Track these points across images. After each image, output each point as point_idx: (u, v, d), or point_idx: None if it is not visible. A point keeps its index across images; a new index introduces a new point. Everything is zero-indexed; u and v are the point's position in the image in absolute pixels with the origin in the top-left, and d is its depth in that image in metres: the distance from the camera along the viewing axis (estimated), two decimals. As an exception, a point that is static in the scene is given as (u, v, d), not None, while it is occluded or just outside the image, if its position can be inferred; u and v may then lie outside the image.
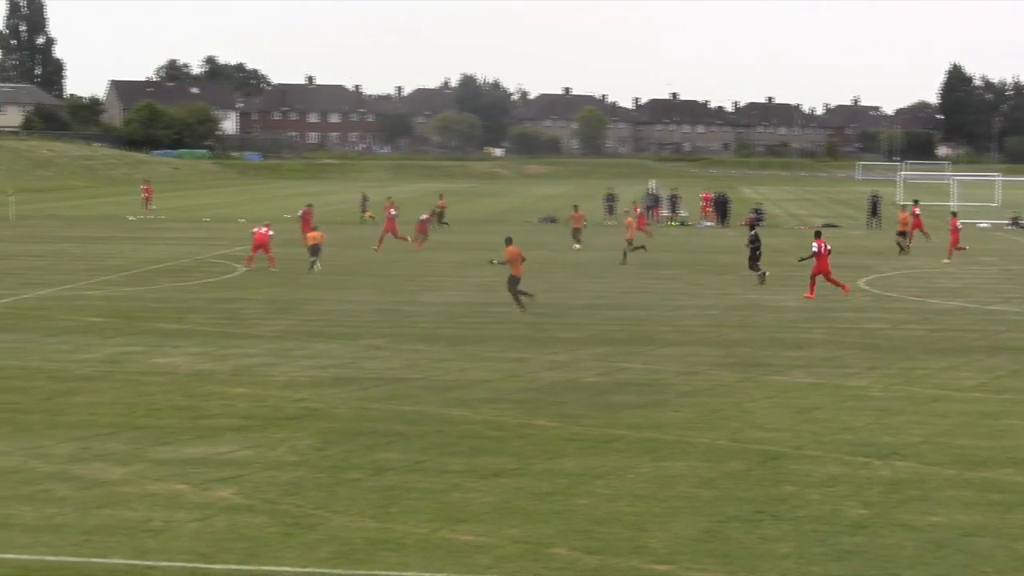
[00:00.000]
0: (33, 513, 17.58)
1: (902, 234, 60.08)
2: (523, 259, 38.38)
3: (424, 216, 63.23)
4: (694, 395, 25.98)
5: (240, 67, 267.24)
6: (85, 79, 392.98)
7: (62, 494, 18.51)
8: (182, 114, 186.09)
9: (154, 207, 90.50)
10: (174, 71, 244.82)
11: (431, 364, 29.39)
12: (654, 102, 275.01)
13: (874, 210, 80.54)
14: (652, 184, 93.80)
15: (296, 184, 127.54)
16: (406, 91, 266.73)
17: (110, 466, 20.12)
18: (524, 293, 38.11)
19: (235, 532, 16.79)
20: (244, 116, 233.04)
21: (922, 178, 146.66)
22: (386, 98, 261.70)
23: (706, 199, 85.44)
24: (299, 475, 19.62)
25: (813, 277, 42.54)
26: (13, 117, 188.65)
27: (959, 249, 56.05)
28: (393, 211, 61.30)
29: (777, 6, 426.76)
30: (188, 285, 44.79)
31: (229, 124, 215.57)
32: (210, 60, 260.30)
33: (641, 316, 37.57)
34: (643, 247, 55.25)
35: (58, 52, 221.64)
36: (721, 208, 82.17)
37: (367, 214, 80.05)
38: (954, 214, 58.35)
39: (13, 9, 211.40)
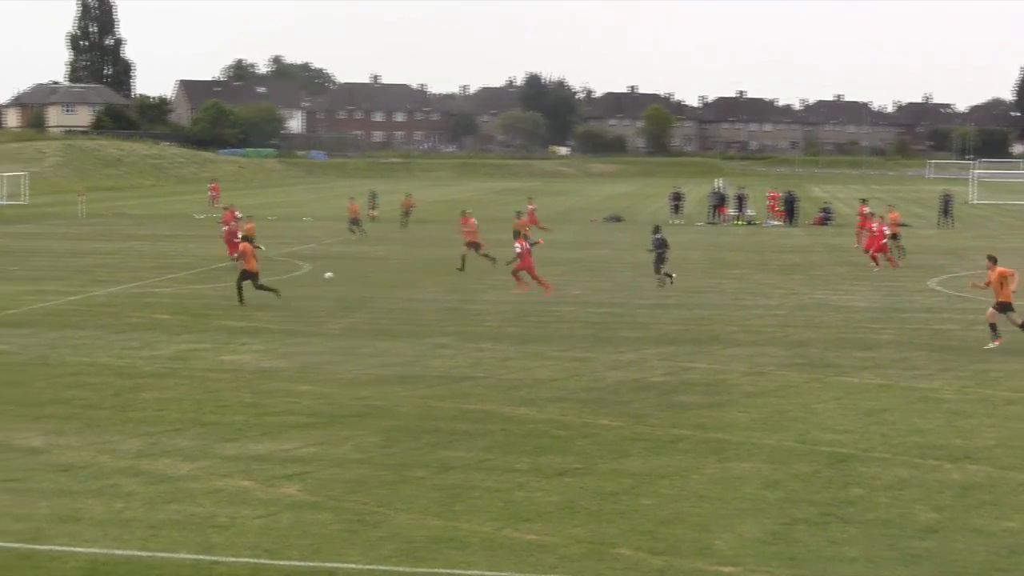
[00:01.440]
0: (102, 507, 17.70)
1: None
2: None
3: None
4: (760, 396, 25.80)
5: (306, 66, 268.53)
6: (154, 79, 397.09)
7: (130, 489, 18.63)
8: (248, 113, 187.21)
9: (220, 205, 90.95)
10: (241, 71, 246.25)
11: (496, 363, 29.36)
12: (721, 100, 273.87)
13: (946, 209, 79.78)
14: (718, 183, 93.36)
15: (361, 183, 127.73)
16: (471, 90, 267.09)
17: (177, 462, 20.23)
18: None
19: (300, 528, 16.82)
20: (310, 115, 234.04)
21: (996, 176, 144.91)
22: (451, 97, 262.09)
23: (773, 198, 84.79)
24: (363, 472, 19.64)
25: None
26: (83, 117, 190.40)
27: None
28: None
29: (847, 4, 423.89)
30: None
31: (295, 123, 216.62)
32: (276, 60, 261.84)
33: (707, 316, 37.37)
34: None
35: (127, 53, 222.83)
36: (789, 207, 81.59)
37: (374, 213, 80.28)
38: (863, 200, 56.76)
39: (84, 11, 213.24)
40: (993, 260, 32.90)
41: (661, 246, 44.81)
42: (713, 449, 21.28)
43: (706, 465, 20.21)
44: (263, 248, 49.49)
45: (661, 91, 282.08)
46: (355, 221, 66.78)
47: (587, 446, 21.43)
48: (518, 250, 42.11)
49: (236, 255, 46.63)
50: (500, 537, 16.56)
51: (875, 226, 52.67)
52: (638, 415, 23.86)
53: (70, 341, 32.11)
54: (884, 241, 51.27)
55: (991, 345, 31.49)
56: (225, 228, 52.10)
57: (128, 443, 21.40)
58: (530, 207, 66.16)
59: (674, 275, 44.96)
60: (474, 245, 50.00)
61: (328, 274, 44.52)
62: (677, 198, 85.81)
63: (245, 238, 40.99)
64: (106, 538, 16.34)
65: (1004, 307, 31.68)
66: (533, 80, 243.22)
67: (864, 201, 64.89)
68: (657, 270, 44.94)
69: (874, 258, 51.12)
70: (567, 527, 16.94)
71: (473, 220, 51.50)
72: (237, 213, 54.68)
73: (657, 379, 27.53)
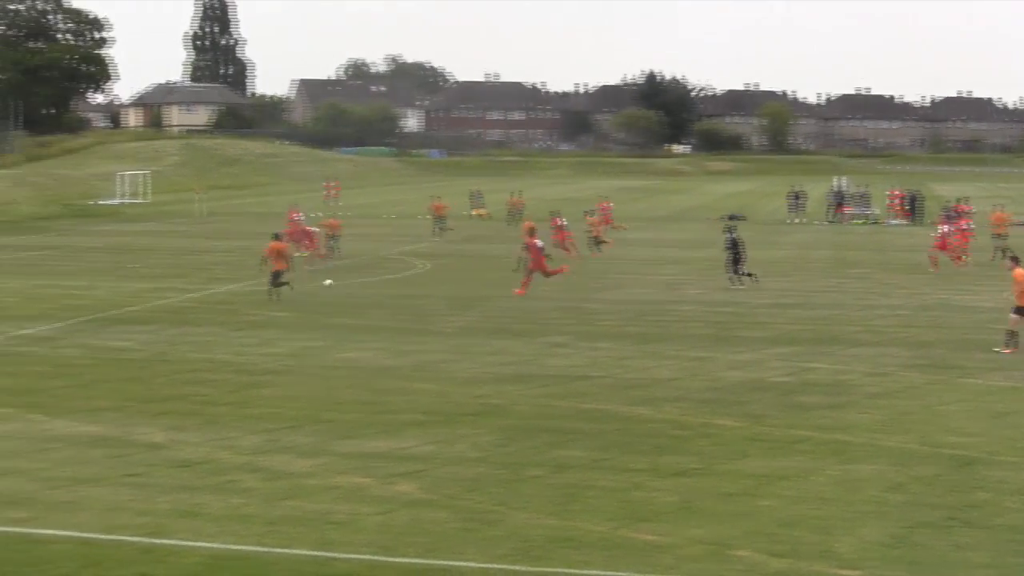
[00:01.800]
0: (220, 503, 17.83)
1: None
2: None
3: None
4: (883, 397, 25.37)
5: (423, 65, 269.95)
6: (272, 79, 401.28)
7: (248, 485, 18.76)
8: (365, 112, 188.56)
9: (341, 203, 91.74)
10: (358, 70, 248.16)
11: (614, 362, 29.20)
12: (842, 97, 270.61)
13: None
14: (838, 181, 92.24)
15: (478, 181, 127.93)
16: (588, 88, 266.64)
17: (295, 458, 20.33)
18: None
19: (416, 526, 16.81)
20: (427, 114, 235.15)
21: None
22: (568, 95, 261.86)
23: (896, 196, 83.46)
24: (480, 471, 19.60)
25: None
26: (202, 116, 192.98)
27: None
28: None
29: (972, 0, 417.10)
30: (370, 281, 45.25)
31: (412, 122, 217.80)
32: (394, 59, 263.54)
33: (828, 316, 36.89)
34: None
35: (245, 53, 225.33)
36: (913, 206, 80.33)
37: (482, 212, 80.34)
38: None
39: (203, 12, 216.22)
40: (1015, 260, 31.79)
41: (733, 246, 43.85)
42: (834, 450, 20.97)
43: (827, 467, 19.91)
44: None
45: (781, 88, 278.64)
46: (441, 219, 66.26)
47: (705, 446, 21.22)
48: (539, 244, 41.45)
49: (305, 252, 47.42)
50: (617, 537, 16.43)
51: (962, 225, 52.00)
52: (757, 415, 23.59)
53: (189, 338, 32.48)
54: (945, 241, 50.31)
55: (1002, 351, 30.56)
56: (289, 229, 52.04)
57: (247, 439, 21.56)
58: (605, 205, 65.89)
59: (756, 274, 44.00)
60: (560, 246, 50.48)
61: (328, 281, 43.90)
62: (796, 196, 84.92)
63: (275, 235, 41.10)
64: (225, 533, 16.46)
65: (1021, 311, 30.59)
66: (651, 78, 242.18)
67: (960, 200, 64.00)
68: (732, 270, 43.84)
69: (934, 259, 50.02)
70: (685, 527, 16.76)
71: (560, 220, 53.00)
72: (297, 215, 54.64)
73: (777, 379, 27.21)
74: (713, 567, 15.35)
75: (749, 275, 43.62)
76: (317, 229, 52.00)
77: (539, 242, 41.33)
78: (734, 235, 44.02)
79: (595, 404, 24.57)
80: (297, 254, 47.68)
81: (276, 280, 38.99)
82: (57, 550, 15.79)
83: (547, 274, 41.18)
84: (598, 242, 54.75)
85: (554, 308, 38.30)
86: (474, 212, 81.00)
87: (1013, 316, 30.78)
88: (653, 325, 34.97)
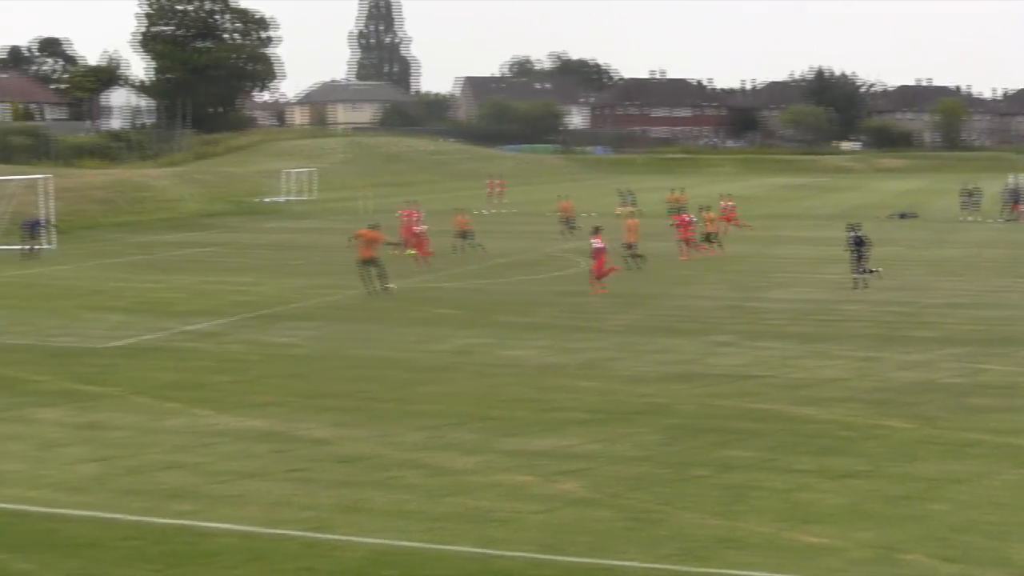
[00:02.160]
0: (384, 499, 17.90)
1: None
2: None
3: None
4: (1060, 399, 24.64)
5: (588, 62, 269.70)
6: (436, 76, 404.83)
7: (412, 481, 18.80)
8: (530, 109, 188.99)
9: (506, 201, 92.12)
10: (523, 67, 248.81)
11: (780, 361, 28.79)
12: (1020, 92, 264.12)
13: None
14: (1014, 178, 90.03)
15: (643, 179, 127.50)
16: (755, 84, 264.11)
17: (459, 455, 20.35)
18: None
19: (580, 525, 16.70)
20: (592, 111, 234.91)
21: None
22: (735, 92, 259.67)
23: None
24: (644, 470, 19.42)
25: None
26: (367, 114, 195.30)
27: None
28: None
29: None
30: (536, 279, 45.27)
31: (577, 119, 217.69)
32: (558, 56, 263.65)
33: (1003, 316, 35.96)
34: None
35: (410, 50, 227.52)
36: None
37: (623, 209, 79.64)
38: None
39: (368, 10, 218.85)
40: None
41: (859, 244, 42.50)
42: (1009, 454, 20.37)
43: (1002, 471, 19.35)
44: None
45: (955, 83, 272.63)
46: (568, 220, 64.55)
47: (874, 448, 20.78)
48: (598, 246, 40.75)
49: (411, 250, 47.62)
50: (783, 539, 16.13)
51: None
52: (928, 417, 23.03)
53: (354, 334, 32.77)
54: None
55: None
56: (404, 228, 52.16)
57: (410, 436, 21.64)
58: (728, 203, 64.72)
59: (880, 269, 42.92)
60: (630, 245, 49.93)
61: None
62: (970, 194, 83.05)
63: (372, 225, 41.46)
64: (388, 529, 16.51)
65: None
66: (819, 74, 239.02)
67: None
68: (856, 270, 42.42)
69: None
70: (853, 530, 16.40)
71: (634, 221, 51.72)
72: (411, 214, 54.48)
73: (949, 380, 26.55)
74: (882, 571, 14.99)
75: (873, 271, 42.52)
76: (425, 227, 51.47)
77: (599, 243, 40.92)
78: (858, 233, 42.79)
79: (761, 404, 24.23)
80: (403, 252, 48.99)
81: (366, 267, 39.60)
82: (222, 543, 15.98)
83: (598, 276, 40.83)
84: (709, 239, 53.49)
85: (719, 307, 37.94)
86: (619, 210, 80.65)
87: None
88: (820, 324, 34.42)
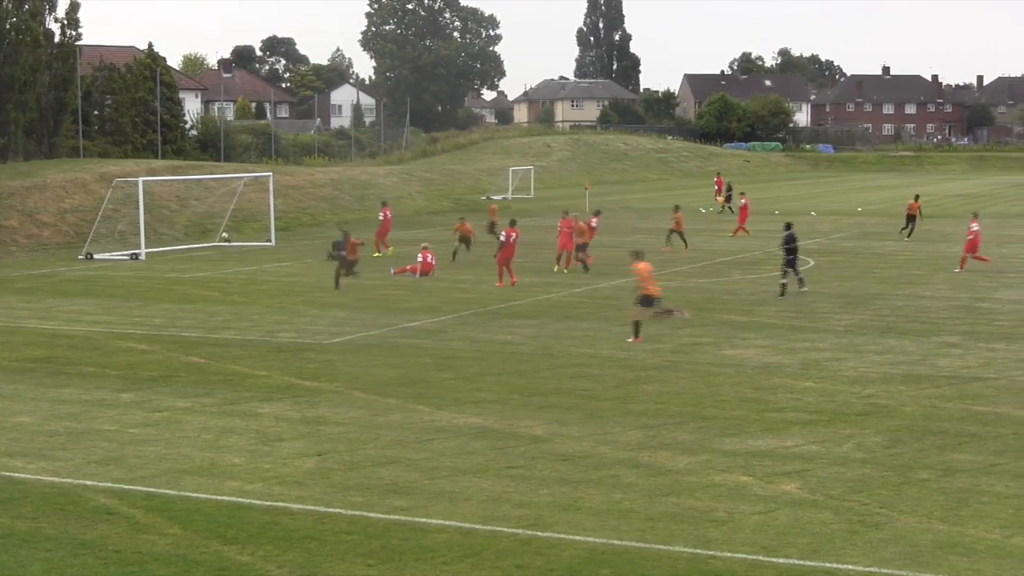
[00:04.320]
0: (600, 497, 17.87)
1: None
2: None
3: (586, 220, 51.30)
4: None
5: (814, 58, 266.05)
6: (659, 73, 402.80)
7: (629, 480, 18.74)
8: (754, 107, 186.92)
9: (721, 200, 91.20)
10: (747, 64, 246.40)
11: (1009, 363, 27.97)
12: None
13: None
14: None
15: (869, 177, 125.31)
16: (986, 80, 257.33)
17: (676, 455, 20.22)
18: None
19: (798, 527, 16.45)
20: (816, 108, 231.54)
21: None
22: (966, 88, 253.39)
23: None
24: (865, 472, 19.05)
25: None
26: (590, 112, 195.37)
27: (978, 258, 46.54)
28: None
29: None
30: (758, 278, 44.77)
31: (801, 116, 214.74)
32: (783, 52, 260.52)
33: None
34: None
35: (633, 48, 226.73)
36: None
37: (720, 200, 78.39)
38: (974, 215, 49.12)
39: (592, 8, 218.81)
40: (637, 255, 31.16)
41: (791, 243, 39.40)
42: None
43: None
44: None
45: None
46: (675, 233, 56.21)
47: (1111, 454, 20.04)
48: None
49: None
50: (1009, 545, 15.67)
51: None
52: None
53: (574, 332, 32.81)
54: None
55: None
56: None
57: (628, 435, 21.57)
58: (743, 201, 64.62)
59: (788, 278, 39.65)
60: (679, 233, 52.20)
61: (223, 234, 42.51)
62: None
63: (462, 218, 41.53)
64: (604, 528, 16.47)
65: None
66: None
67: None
68: (784, 273, 39.57)
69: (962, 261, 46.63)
70: (1086, 540, 15.83)
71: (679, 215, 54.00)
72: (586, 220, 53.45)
73: None
74: (1116, 582, 14.43)
75: (800, 279, 39.78)
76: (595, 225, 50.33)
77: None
78: (792, 232, 39.75)
79: (989, 407, 23.58)
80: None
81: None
82: (438, 539, 16.11)
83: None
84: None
85: (946, 307, 37.02)
86: (720, 201, 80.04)
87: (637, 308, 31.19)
88: (1053, 325, 33.37)
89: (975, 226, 46.45)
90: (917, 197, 62.16)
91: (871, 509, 17.20)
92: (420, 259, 45.78)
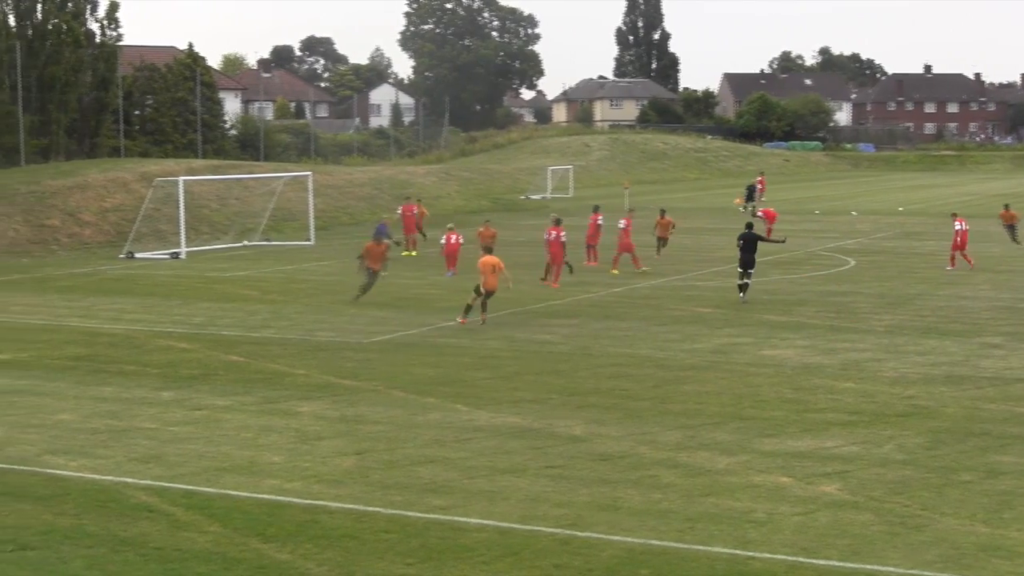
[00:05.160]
0: (639, 497, 17.84)
1: None
2: None
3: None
4: None
5: (855, 57, 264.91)
6: (699, 72, 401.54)
7: (668, 480, 18.69)
8: (794, 106, 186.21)
9: (764, 200, 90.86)
10: (787, 63, 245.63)
11: (1052, 364, 27.78)
12: None
13: None
14: None
15: (910, 176, 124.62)
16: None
17: (715, 455, 20.16)
18: None
19: (838, 528, 16.36)
20: (857, 107, 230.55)
21: None
22: (1009, 86, 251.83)
23: None
24: (906, 474, 18.94)
25: None
26: (629, 111, 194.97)
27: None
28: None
29: None
30: (798, 278, 44.61)
31: (842, 115, 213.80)
32: (824, 51, 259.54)
33: None
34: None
35: (673, 47, 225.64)
36: None
37: (739, 201, 77.88)
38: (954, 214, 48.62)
39: (631, 7, 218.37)
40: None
41: (748, 241, 38.04)
42: None
43: None
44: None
45: None
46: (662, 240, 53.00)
47: None
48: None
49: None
50: (1054, 549, 15.53)
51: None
52: None
53: (612, 332, 32.76)
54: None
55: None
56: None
57: (667, 435, 21.52)
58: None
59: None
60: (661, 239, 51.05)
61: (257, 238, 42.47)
62: None
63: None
64: (643, 528, 16.43)
65: None
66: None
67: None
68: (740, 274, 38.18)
69: (952, 258, 46.88)
70: None
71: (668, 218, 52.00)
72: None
73: None
74: None
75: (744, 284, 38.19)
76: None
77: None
78: (753, 231, 38.54)
79: (1031, 408, 23.42)
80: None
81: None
82: (477, 538, 16.11)
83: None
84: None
85: (987, 307, 36.79)
86: (739, 203, 79.34)
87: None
88: (1096, 326, 33.12)
89: (959, 225, 46.51)
90: (1007, 206, 59.59)
91: (912, 511, 17.09)
92: (443, 241, 45.69)
